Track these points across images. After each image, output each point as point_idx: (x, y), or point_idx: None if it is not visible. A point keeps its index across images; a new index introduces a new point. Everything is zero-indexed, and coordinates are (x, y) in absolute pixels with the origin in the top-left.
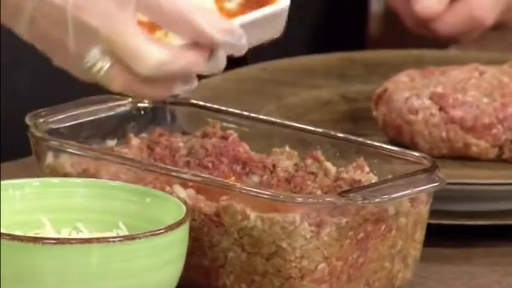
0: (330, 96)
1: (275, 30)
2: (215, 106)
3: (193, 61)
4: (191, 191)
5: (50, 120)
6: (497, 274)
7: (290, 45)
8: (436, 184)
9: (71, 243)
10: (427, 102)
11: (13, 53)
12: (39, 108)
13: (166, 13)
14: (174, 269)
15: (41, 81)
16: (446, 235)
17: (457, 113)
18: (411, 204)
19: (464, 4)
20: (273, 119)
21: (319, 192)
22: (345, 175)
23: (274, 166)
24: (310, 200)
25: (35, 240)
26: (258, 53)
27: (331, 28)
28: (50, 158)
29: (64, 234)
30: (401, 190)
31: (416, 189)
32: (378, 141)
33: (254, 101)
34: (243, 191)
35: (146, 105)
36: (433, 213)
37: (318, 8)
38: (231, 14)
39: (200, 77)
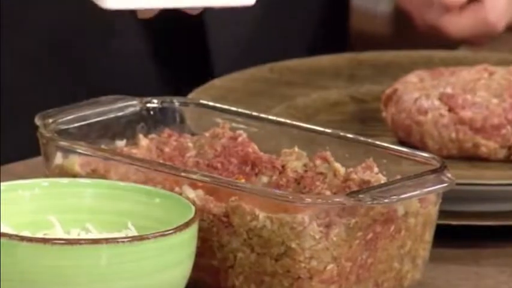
0: (339, 96)
1: None
2: (224, 106)
3: None
4: (200, 192)
5: (59, 120)
6: (505, 275)
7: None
8: (445, 185)
9: (80, 244)
10: (437, 102)
11: (21, 53)
12: (47, 109)
13: None
14: (183, 269)
15: (49, 81)
16: (455, 236)
17: (467, 114)
18: (420, 204)
19: (479, 7)
20: (282, 120)
21: (328, 192)
22: (354, 176)
23: (283, 167)
24: (319, 200)
25: (44, 240)
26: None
27: (317, 31)
28: (59, 159)
29: (73, 234)
30: (410, 191)
31: (425, 190)
32: (387, 142)
33: (263, 102)
34: (252, 191)
35: (155, 105)
36: (442, 213)
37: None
38: None
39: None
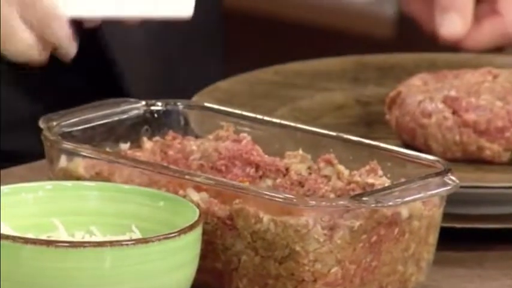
0: (344, 99)
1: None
2: (228, 109)
3: None
4: (204, 194)
5: (63, 123)
6: (509, 278)
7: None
8: (449, 187)
9: (84, 247)
10: (440, 105)
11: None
12: (51, 112)
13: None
14: (187, 272)
15: (54, 84)
16: (459, 238)
17: (470, 117)
18: (424, 207)
19: (497, 20)
20: (286, 122)
21: (332, 195)
22: (358, 178)
23: (287, 169)
24: (323, 203)
25: (48, 243)
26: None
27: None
28: (63, 162)
29: (77, 237)
30: (415, 193)
31: (430, 193)
32: (391, 145)
33: (267, 104)
34: (256, 194)
35: (159, 108)
36: (446, 216)
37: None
38: None
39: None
